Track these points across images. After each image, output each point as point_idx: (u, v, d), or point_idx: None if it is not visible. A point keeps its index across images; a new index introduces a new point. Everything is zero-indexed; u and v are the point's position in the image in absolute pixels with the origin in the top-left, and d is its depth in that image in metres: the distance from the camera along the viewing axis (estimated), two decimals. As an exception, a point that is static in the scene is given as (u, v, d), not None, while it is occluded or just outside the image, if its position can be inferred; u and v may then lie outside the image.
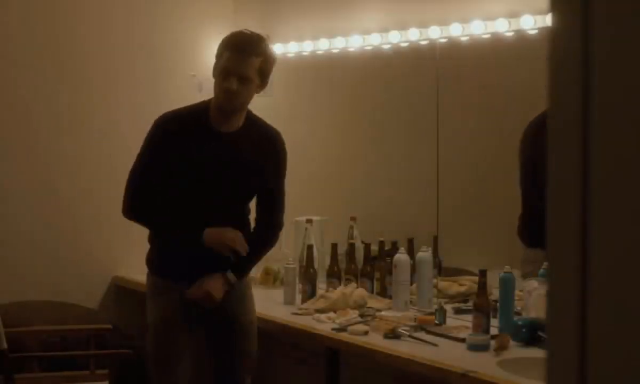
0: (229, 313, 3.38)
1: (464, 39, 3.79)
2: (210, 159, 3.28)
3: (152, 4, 4.80)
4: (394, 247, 3.87)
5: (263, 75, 3.29)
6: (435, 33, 3.86)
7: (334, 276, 4.00)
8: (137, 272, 4.35)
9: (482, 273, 3.35)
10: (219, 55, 3.30)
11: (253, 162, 3.33)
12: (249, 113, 3.39)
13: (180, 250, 3.32)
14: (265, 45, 3.30)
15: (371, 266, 3.98)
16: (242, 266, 3.36)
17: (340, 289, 3.84)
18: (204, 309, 3.32)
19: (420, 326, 3.39)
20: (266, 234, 3.44)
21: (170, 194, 3.30)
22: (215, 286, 3.28)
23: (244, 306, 3.43)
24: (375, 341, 3.31)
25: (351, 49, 4.31)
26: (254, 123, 3.40)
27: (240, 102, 3.28)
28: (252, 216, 3.48)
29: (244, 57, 3.23)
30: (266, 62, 3.28)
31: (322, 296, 3.83)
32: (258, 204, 3.44)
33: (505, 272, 3.33)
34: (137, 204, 3.33)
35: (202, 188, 3.30)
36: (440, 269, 3.87)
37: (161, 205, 3.32)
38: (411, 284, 3.77)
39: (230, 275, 3.31)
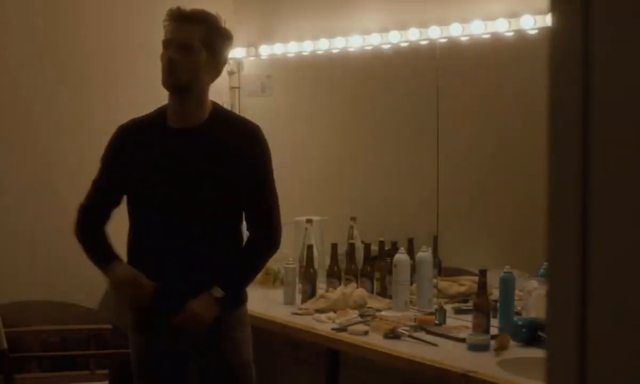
0: (214, 352, 2.99)
1: (464, 39, 3.79)
2: (163, 161, 2.95)
3: (152, 4, 4.80)
4: (394, 247, 3.87)
5: (211, 48, 2.94)
6: (435, 33, 3.86)
7: (334, 276, 4.00)
8: (137, 272, 4.34)
9: (482, 273, 3.35)
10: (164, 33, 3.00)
11: (219, 163, 2.93)
12: (216, 106, 3.04)
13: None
14: (211, 16, 2.97)
15: (371, 266, 3.98)
16: (232, 284, 2.97)
17: (340, 289, 3.84)
18: (190, 346, 2.98)
19: (420, 326, 3.39)
20: (257, 246, 3.03)
21: (131, 211, 3.02)
22: (203, 306, 2.90)
23: (235, 345, 3.02)
24: (375, 341, 3.31)
25: (351, 49, 4.31)
26: (222, 117, 3.03)
27: (186, 78, 2.91)
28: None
29: (184, 25, 2.92)
30: (213, 33, 2.95)
31: (322, 296, 3.83)
32: (245, 211, 3.03)
33: (505, 272, 3.33)
34: (79, 230, 3.07)
35: (159, 200, 2.94)
36: (440, 269, 3.87)
37: (101, 235, 3.04)
38: (411, 284, 3.77)
39: (217, 291, 2.91)
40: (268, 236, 3.04)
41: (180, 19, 2.94)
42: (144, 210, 3.00)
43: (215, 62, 2.97)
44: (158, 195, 2.95)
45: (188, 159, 2.94)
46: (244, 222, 3.07)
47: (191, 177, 2.93)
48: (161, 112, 3.03)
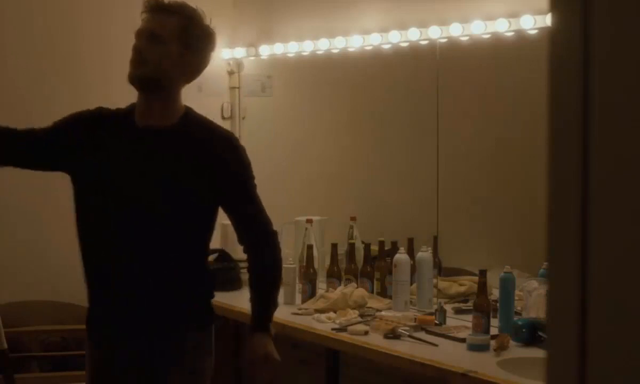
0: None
1: (464, 39, 3.79)
2: (119, 158, 2.69)
3: (152, 4, 4.80)
4: (394, 247, 3.87)
5: (186, 43, 2.69)
6: (435, 33, 3.86)
7: (334, 276, 4.00)
8: (137, 272, 4.34)
9: (482, 273, 3.35)
10: None
11: (188, 168, 2.66)
12: (189, 110, 2.77)
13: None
14: (189, 9, 2.73)
15: (371, 266, 3.98)
16: (262, 314, 2.80)
17: (340, 289, 3.85)
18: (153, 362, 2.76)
19: (420, 326, 3.39)
20: (265, 257, 2.81)
21: (77, 209, 2.75)
22: (271, 346, 2.75)
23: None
24: (375, 341, 3.31)
25: (351, 49, 4.31)
26: (195, 121, 2.76)
27: (153, 70, 2.66)
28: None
29: (158, 15, 2.68)
30: (190, 27, 2.70)
31: (322, 296, 3.83)
32: (235, 229, 2.81)
33: (505, 272, 3.33)
34: None
35: (108, 199, 2.67)
36: (440, 269, 3.87)
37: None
38: (411, 284, 3.77)
39: (272, 330, 2.78)
40: (266, 242, 2.80)
41: (154, 9, 2.71)
42: (91, 209, 2.73)
43: (190, 60, 2.71)
44: (109, 192, 2.68)
45: (149, 160, 2.68)
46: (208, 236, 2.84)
47: (150, 179, 2.66)
48: (132, 108, 2.77)
